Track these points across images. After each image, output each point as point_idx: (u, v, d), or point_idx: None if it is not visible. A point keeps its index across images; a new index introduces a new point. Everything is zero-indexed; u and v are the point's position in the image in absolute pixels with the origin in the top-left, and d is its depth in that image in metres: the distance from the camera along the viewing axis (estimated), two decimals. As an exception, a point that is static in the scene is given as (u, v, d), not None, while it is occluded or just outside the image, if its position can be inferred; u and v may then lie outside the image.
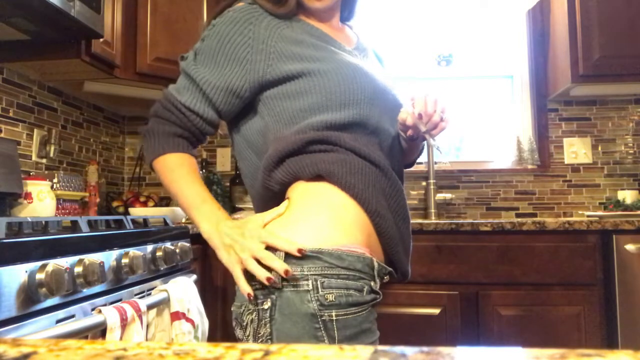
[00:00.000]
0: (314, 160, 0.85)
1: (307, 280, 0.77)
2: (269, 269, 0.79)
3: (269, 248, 0.80)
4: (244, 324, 0.82)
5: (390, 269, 0.90)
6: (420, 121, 0.86)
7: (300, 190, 0.86)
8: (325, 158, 0.85)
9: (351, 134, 0.88)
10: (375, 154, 0.88)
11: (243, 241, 0.81)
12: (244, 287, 0.80)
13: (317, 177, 0.85)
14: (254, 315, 0.80)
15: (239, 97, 0.92)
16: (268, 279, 0.77)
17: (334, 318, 0.77)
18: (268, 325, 0.78)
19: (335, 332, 0.77)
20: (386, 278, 0.90)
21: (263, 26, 0.90)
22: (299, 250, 0.78)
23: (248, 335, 0.81)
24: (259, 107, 0.93)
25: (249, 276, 0.82)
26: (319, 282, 0.77)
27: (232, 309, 0.87)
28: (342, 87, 0.87)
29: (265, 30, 0.90)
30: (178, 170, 0.91)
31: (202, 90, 0.91)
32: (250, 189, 0.99)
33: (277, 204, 0.87)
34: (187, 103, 0.91)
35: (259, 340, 0.79)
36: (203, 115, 0.92)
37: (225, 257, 0.83)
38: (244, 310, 0.82)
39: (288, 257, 0.78)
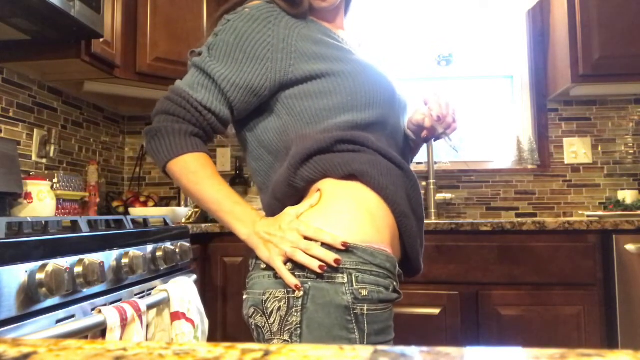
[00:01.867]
0: (346, 160, 0.85)
1: (343, 273, 0.78)
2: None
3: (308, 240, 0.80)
4: (269, 311, 0.81)
5: (400, 271, 0.91)
6: (438, 123, 0.89)
7: (331, 186, 0.86)
8: (357, 158, 0.86)
9: (374, 135, 0.89)
10: (396, 155, 0.90)
11: (282, 234, 0.81)
12: (290, 279, 0.79)
13: (349, 177, 0.86)
14: (282, 302, 0.79)
15: (257, 96, 0.90)
16: (321, 267, 0.78)
17: (365, 312, 0.78)
18: (299, 313, 0.78)
19: (365, 325, 0.78)
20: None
21: (282, 25, 0.90)
22: (344, 244, 0.78)
23: (273, 323, 0.80)
24: (275, 107, 0.92)
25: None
26: (353, 277, 0.78)
27: (246, 296, 0.86)
28: (366, 88, 0.89)
29: (285, 29, 0.90)
30: (202, 172, 0.87)
31: (220, 87, 0.89)
32: (262, 185, 0.98)
33: (298, 201, 0.88)
34: (204, 101, 0.88)
35: (286, 328, 0.79)
36: (219, 114, 0.90)
37: (265, 254, 0.82)
38: (269, 297, 0.81)
39: (323, 247, 0.79)
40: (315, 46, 0.90)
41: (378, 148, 0.87)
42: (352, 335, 0.78)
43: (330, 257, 0.78)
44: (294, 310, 0.79)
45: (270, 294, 0.81)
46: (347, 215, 0.83)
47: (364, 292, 0.78)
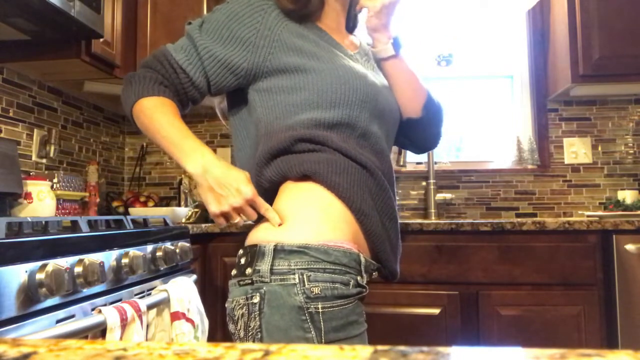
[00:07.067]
0: (300, 161, 0.87)
1: (294, 274, 0.79)
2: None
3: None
4: (235, 318, 0.84)
5: (379, 264, 0.91)
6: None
7: (287, 190, 0.89)
8: (312, 158, 0.87)
9: (340, 135, 0.90)
10: (362, 155, 0.90)
11: (228, 191, 0.85)
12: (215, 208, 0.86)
13: (304, 177, 0.87)
14: (244, 309, 0.82)
15: (233, 74, 0.93)
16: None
17: (320, 310, 0.79)
18: (257, 318, 0.80)
19: (322, 323, 0.79)
20: (375, 274, 0.92)
21: (274, 15, 0.93)
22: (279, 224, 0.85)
23: (239, 329, 0.83)
24: (253, 99, 0.95)
25: (239, 272, 0.85)
26: (305, 276, 0.79)
27: (225, 305, 0.89)
28: (334, 87, 0.89)
29: (275, 19, 0.92)
30: (158, 109, 0.91)
31: (200, 55, 0.92)
32: None
33: (266, 201, 0.89)
34: (181, 62, 0.93)
35: (249, 334, 0.81)
36: (192, 78, 0.93)
37: (205, 195, 0.87)
38: (235, 305, 0.84)
39: (276, 252, 0.81)
40: (298, 39, 0.92)
41: (339, 147, 0.88)
42: (309, 335, 0.78)
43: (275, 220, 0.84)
44: (253, 315, 0.81)
45: (236, 302, 0.84)
46: (301, 216, 0.84)
47: (316, 290, 0.79)
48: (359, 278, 0.84)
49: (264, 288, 0.80)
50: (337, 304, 0.80)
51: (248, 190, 0.84)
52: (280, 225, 0.84)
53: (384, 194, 0.92)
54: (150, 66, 0.94)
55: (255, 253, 0.83)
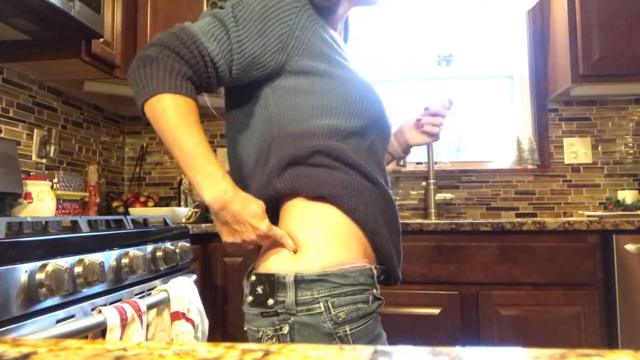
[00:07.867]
0: (317, 180, 0.86)
1: (319, 302, 0.81)
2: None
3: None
4: None
5: (385, 266, 0.93)
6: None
7: (298, 209, 0.88)
8: (328, 179, 0.86)
9: (352, 146, 0.89)
10: (372, 168, 0.91)
11: (250, 228, 0.83)
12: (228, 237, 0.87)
13: (319, 198, 0.86)
14: (274, 340, 0.82)
15: (259, 70, 0.88)
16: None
17: (349, 333, 0.81)
18: None
19: (352, 344, 0.80)
20: (382, 277, 0.93)
21: (305, 16, 0.91)
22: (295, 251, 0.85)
23: None
24: (267, 96, 0.91)
25: (258, 302, 0.83)
26: (329, 303, 0.80)
27: (245, 329, 0.87)
28: (358, 98, 0.90)
29: (306, 20, 0.90)
30: (184, 118, 0.82)
31: (232, 48, 0.86)
32: (237, 175, 0.97)
33: (267, 204, 0.87)
34: (213, 54, 0.85)
35: None
36: (220, 72, 0.87)
37: (229, 238, 0.86)
38: (262, 335, 0.84)
39: (297, 282, 0.81)
40: (324, 46, 0.91)
41: (353, 163, 0.87)
42: None
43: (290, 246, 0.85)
44: None
45: (263, 332, 0.84)
46: (313, 241, 0.84)
47: (343, 315, 0.80)
48: (374, 291, 0.86)
49: (292, 319, 0.81)
50: (362, 323, 0.82)
51: (263, 226, 0.83)
52: (295, 251, 0.84)
53: (391, 209, 0.93)
54: (177, 52, 0.83)
55: (274, 284, 0.82)
